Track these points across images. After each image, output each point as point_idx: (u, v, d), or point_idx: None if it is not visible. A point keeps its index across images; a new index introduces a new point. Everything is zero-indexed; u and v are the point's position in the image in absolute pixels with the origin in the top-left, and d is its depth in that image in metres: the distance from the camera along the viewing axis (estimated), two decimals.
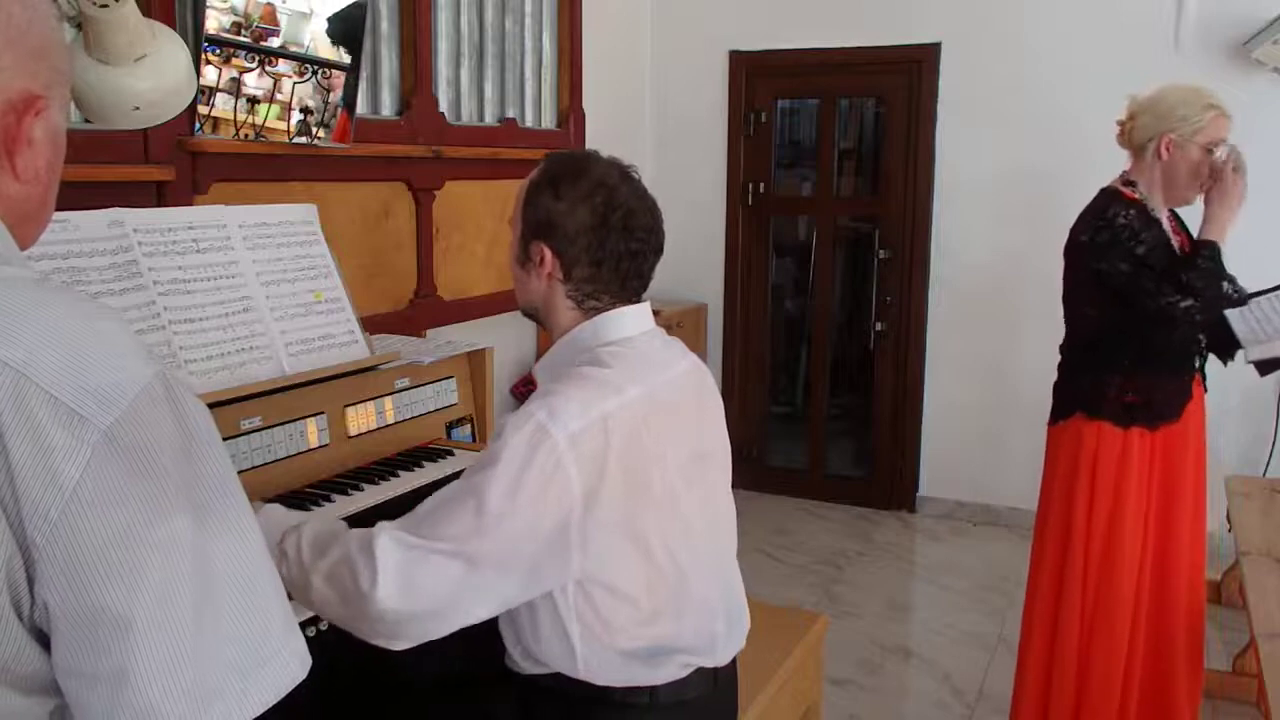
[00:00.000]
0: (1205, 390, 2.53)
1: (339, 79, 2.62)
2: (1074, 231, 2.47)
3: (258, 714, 0.82)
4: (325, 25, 2.57)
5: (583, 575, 1.40)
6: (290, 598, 1.41)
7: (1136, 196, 2.41)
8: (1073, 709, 2.50)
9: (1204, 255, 2.30)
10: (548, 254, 1.49)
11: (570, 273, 1.50)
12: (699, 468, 1.55)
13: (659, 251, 1.55)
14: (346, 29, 2.63)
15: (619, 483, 1.38)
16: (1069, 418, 2.49)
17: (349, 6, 2.61)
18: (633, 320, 1.54)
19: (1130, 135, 2.46)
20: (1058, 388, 2.57)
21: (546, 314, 1.56)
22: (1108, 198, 2.43)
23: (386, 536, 1.34)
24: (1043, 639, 2.54)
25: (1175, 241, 2.44)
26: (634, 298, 1.54)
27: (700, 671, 1.54)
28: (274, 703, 0.83)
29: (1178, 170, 2.38)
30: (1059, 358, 2.60)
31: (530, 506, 1.33)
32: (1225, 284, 2.32)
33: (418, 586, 1.32)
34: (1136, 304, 2.35)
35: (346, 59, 2.62)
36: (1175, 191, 2.42)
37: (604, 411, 1.39)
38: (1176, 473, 2.48)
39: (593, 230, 1.47)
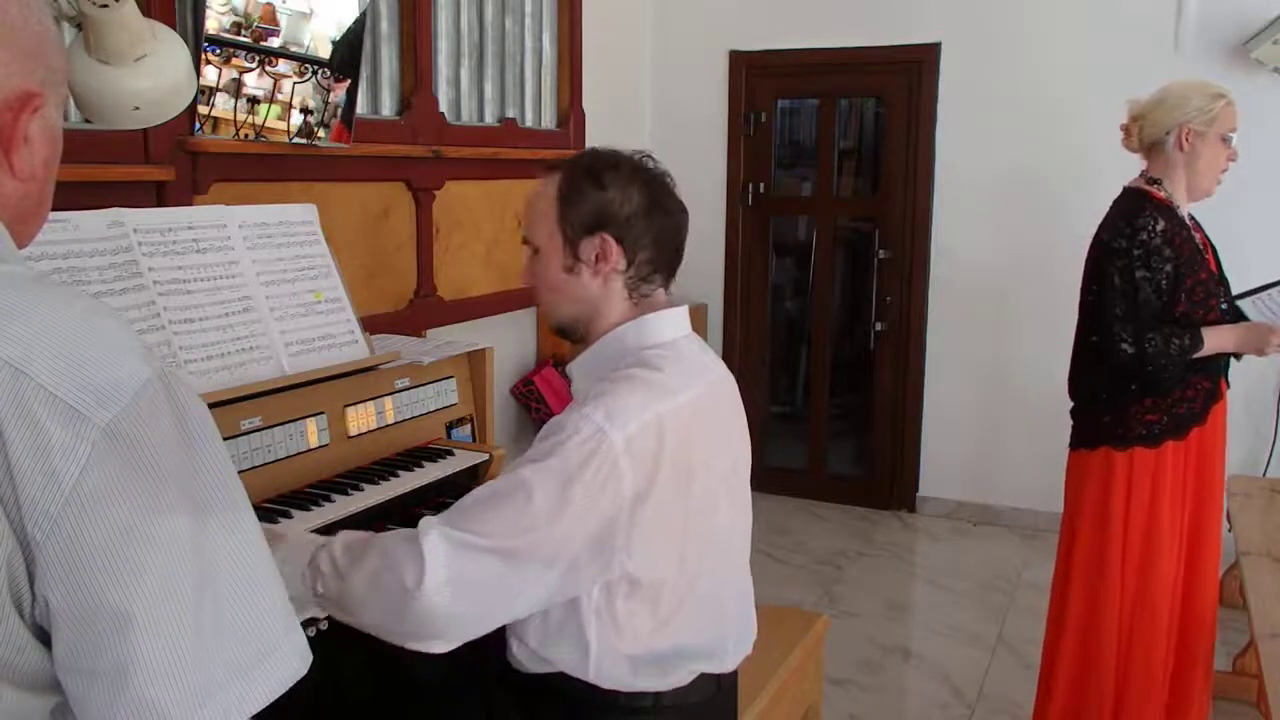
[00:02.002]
0: (1228, 386, 2.53)
1: (339, 82, 2.62)
2: (1099, 231, 2.45)
3: (257, 710, 0.82)
4: (329, 51, 2.57)
5: (619, 572, 1.39)
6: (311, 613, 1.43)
7: (1163, 196, 2.41)
8: (1113, 713, 2.50)
9: (1188, 342, 2.32)
10: (611, 244, 1.48)
11: (634, 258, 1.49)
12: (731, 474, 1.56)
13: (688, 224, 1.58)
14: (350, 48, 2.63)
15: (668, 483, 1.39)
16: (1095, 450, 2.48)
17: (349, 28, 2.62)
18: (673, 323, 1.54)
19: (1140, 135, 2.45)
20: (1080, 415, 2.54)
21: (592, 316, 1.53)
22: (1137, 200, 2.41)
23: (435, 532, 1.32)
24: (1075, 649, 2.51)
25: (1196, 238, 2.45)
26: (674, 272, 1.56)
27: (704, 677, 1.54)
28: (274, 699, 0.83)
29: (1199, 160, 2.39)
30: (1071, 366, 2.56)
31: (582, 506, 1.33)
32: (1170, 375, 2.34)
33: (465, 581, 1.31)
34: (1099, 315, 2.37)
35: (347, 81, 2.63)
36: (1198, 182, 2.42)
37: (659, 413, 1.39)
38: (1208, 473, 2.49)
39: (647, 212, 1.49)
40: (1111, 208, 2.46)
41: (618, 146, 1.58)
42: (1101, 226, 2.45)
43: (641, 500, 1.36)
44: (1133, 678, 2.47)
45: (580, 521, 1.33)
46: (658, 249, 1.51)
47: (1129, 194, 2.46)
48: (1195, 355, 2.34)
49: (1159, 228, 2.33)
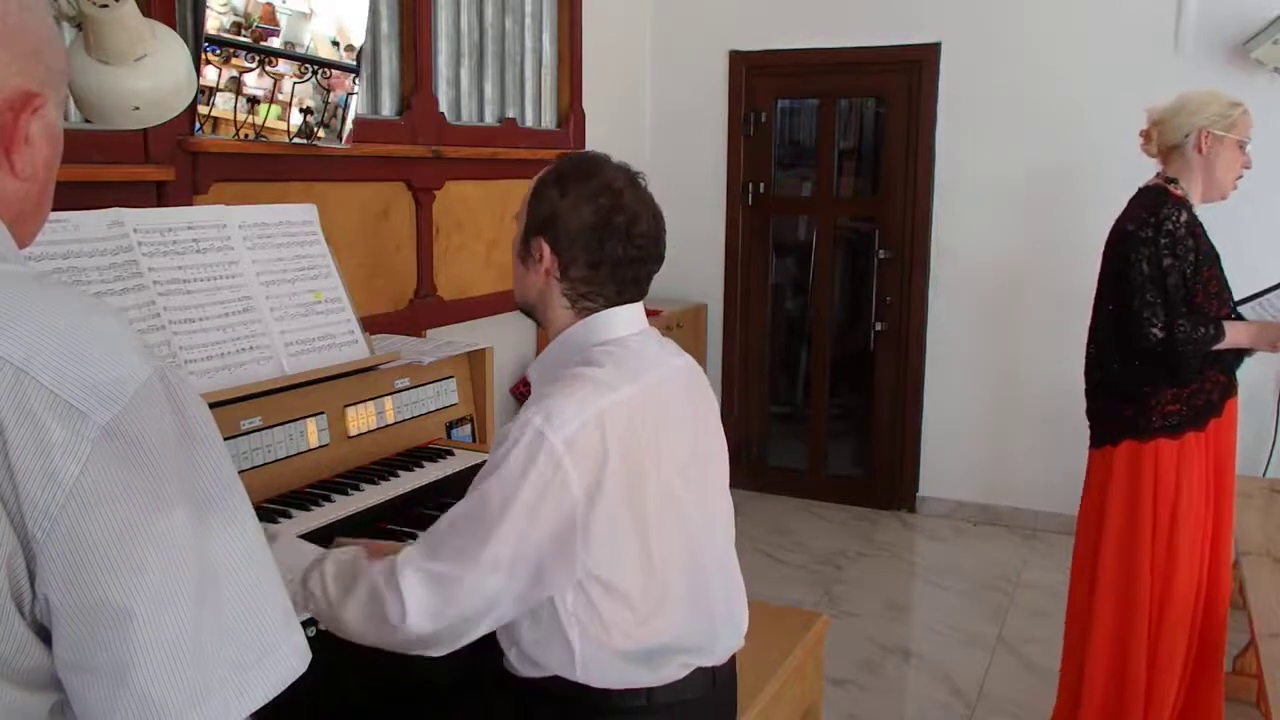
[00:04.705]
0: (1237, 381, 2.55)
1: (339, 79, 2.62)
2: (1120, 222, 2.49)
3: (256, 708, 0.82)
4: (344, 52, 2.60)
5: (584, 574, 1.41)
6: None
7: (1180, 193, 2.45)
8: (1144, 703, 2.50)
9: (1212, 331, 2.36)
10: (546, 250, 1.50)
11: (567, 271, 1.50)
12: (696, 464, 1.56)
13: (659, 260, 1.56)
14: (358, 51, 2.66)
15: (619, 478, 1.40)
16: (1118, 444, 2.49)
17: (367, 26, 2.65)
18: (625, 320, 1.55)
19: (1159, 139, 2.50)
20: (1098, 413, 2.55)
21: (542, 311, 1.57)
22: (1158, 196, 2.45)
23: (410, 571, 1.38)
24: (1108, 644, 2.51)
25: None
26: (629, 299, 1.55)
27: (699, 671, 1.54)
28: (273, 697, 0.84)
29: (1216, 163, 2.44)
30: (1087, 363, 2.57)
31: (533, 510, 1.36)
32: (1194, 363, 2.38)
33: (445, 610, 1.37)
34: (1127, 300, 2.39)
35: (356, 87, 2.65)
36: (1213, 185, 2.47)
37: (599, 409, 1.40)
38: (1223, 465, 2.52)
39: (593, 230, 1.48)
40: (1131, 202, 2.50)
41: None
42: (1122, 219, 2.48)
43: (594, 497, 1.38)
44: (1158, 668, 2.48)
45: (535, 525, 1.36)
46: (595, 271, 1.49)
47: (1148, 190, 2.50)
48: (1215, 348, 2.37)
49: (1182, 218, 2.39)
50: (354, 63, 2.62)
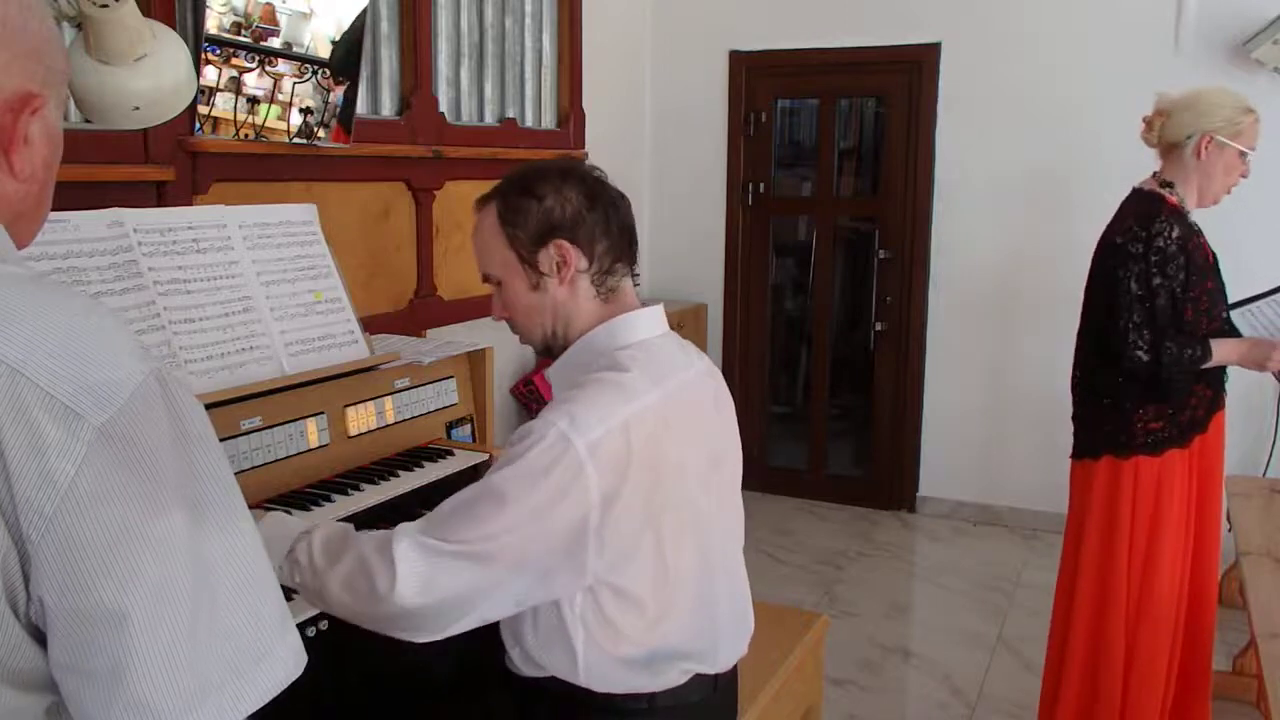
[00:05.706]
0: (1225, 394, 2.53)
1: (338, 83, 2.62)
2: (1109, 233, 2.43)
3: (252, 711, 0.82)
4: (329, 52, 2.57)
5: (595, 579, 1.39)
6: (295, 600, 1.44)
7: (1176, 201, 2.39)
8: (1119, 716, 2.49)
9: (1199, 352, 2.32)
10: (566, 247, 1.48)
11: (592, 253, 1.49)
12: (715, 471, 1.55)
13: (631, 208, 1.59)
14: (349, 49, 2.63)
15: (640, 485, 1.38)
16: (1098, 458, 2.46)
17: (348, 30, 2.61)
18: (647, 323, 1.53)
19: (1161, 132, 2.42)
20: (1082, 423, 2.52)
21: (565, 327, 1.53)
22: (1150, 204, 2.38)
23: (406, 541, 1.34)
24: (1084, 655, 2.50)
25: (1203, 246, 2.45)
26: (635, 258, 1.56)
27: (700, 677, 1.53)
28: (269, 699, 0.83)
29: (1214, 170, 2.38)
30: (1074, 370, 2.55)
31: (548, 511, 1.33)
32: (1181, 384, 2.36)
33: (436, 587, 1.33)
34: (1112, 318, 2.35)
35: (345, 83, 2.63)
36: (1208, 191, 2.41)
37: (625, 416, 1.38)
38: (1209, 480, 2.49)
39: (589, 206, 1.49)
40: (1123, 209, 2.44)
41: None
42: (1112, 229, 2.42)
43: (610, 504, 1.36)
44: (1134, 681, 2.46)
45: (545, 526, 1.33)
46: (610, 238, 1.51)
47: (1141, 196, 2.42)
48: (1201, 367, 2.34)
49: (1174, 234, 2.32)
50: (326, 59, 2.58)
